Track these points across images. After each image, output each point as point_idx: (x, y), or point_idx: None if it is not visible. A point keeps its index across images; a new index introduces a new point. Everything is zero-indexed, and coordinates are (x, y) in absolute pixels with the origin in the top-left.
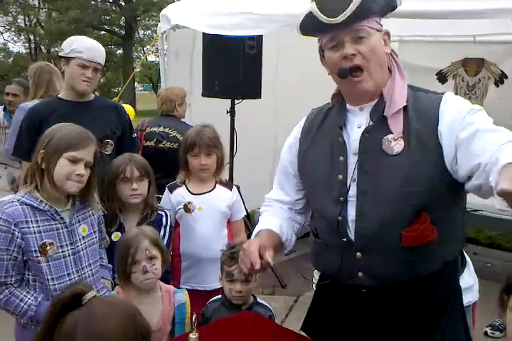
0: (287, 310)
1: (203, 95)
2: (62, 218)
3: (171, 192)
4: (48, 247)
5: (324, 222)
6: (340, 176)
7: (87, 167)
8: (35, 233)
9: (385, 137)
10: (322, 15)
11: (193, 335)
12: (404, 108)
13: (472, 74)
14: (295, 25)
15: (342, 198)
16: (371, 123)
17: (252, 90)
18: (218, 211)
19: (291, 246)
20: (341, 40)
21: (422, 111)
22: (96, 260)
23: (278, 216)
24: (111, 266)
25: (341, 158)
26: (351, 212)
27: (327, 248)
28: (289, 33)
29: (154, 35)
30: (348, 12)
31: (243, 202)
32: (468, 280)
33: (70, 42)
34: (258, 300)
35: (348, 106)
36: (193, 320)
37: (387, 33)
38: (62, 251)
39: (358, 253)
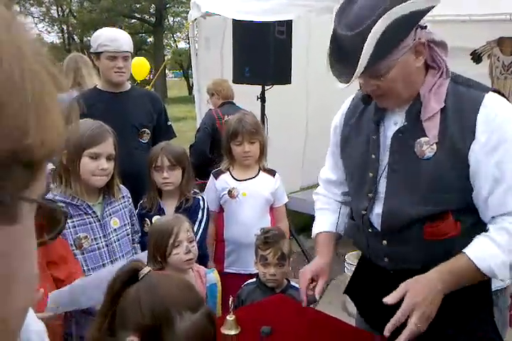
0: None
1: (234, 81)
2: (94, 212)
3: (216, 179)
4: (83, 240)
5: (355, 211)
6: (371, 174)
7: (110, 159)
8: (70, 228)
9: (418, 140)
10: (335, 78)
11: (230, 318)
12: (442, 108)
13: (508, 53)
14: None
15: (371, 194)
16: (405, 123)
17: (283, 76)
18: (262, 197)
19: None
20: (361, 77)
21: (461, 112)
22: (128, 251)
23: (331, 210)
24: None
25: (373, 156)
26: (378, 207)
27: (358, 231)
28: (319, 17)
29: (184, 21)
30: (357, 73)
31: None
32: None
33: (95, 37)
34: (292, 283)
35: None
36: (230, 302)
37: (421, 43)
38: (97, 244)
39: (384, 241)
